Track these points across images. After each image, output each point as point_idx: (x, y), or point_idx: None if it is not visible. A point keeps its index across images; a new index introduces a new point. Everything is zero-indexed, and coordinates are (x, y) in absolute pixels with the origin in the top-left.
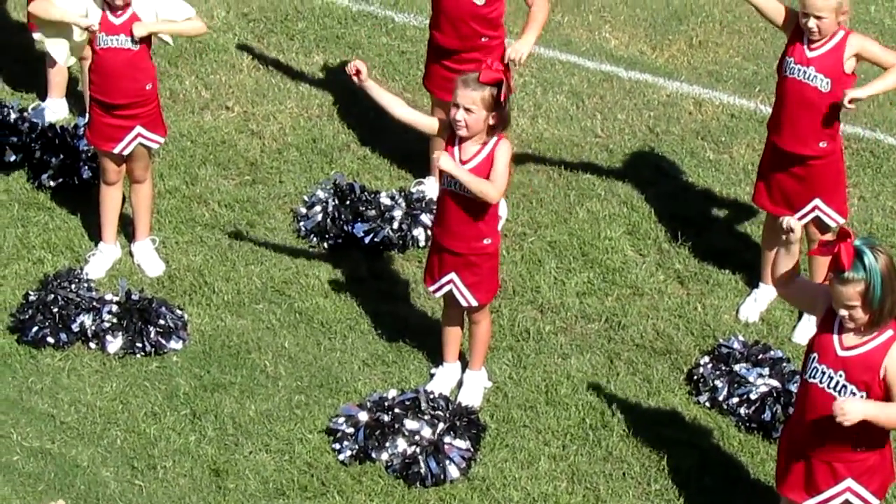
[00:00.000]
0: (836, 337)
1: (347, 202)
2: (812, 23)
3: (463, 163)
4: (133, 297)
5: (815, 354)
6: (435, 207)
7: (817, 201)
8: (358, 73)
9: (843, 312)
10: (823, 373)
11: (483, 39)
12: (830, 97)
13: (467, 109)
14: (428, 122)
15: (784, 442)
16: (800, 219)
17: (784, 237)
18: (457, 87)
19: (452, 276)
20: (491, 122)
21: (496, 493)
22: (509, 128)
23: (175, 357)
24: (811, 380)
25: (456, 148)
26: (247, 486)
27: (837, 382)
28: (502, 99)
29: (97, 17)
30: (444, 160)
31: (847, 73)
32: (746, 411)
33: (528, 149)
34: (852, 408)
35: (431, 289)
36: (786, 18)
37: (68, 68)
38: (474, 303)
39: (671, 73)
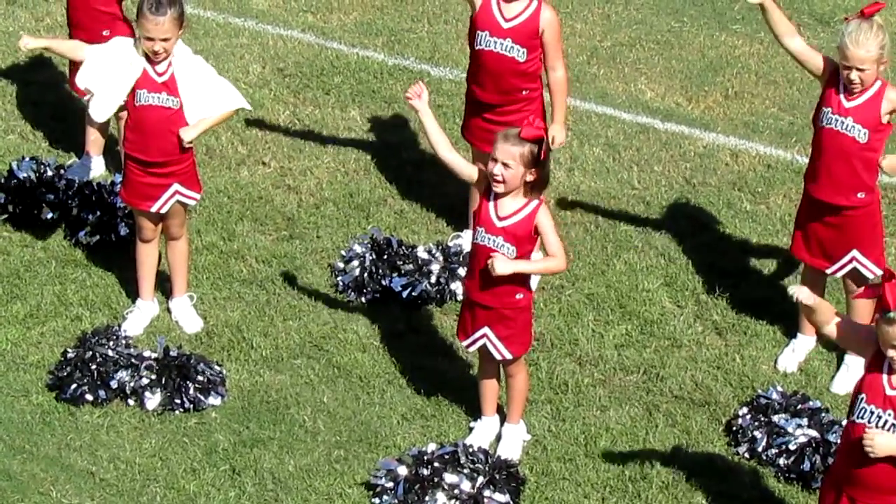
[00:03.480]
0: (885, 377)
1: (385, 257)
2: (854, 75)
3: (500, 219)
4: (171, 353)
5: (864, 395)
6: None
7: (854, 252)
8: (419, 95)
9: (892, 353)
10: (872, 412)
11: (523, 93)
12: (867, 147)
13: (505, 164)
14: (468, 170)
15: (828, 486)
16: (837, 271)
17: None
18: (496, 141)
19: (486, 330)
20: (529, 178)
21: None
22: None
23: (214, 413)
24: (859, 420)
25: (492, 203)
26: None
27: (886, 422)
28: (542, 157)
29: (139, 70)
30: (499, 265)
31: (884, 123)
32: (785, 462)
33: (565, 201)
34: (882, 441)
35: (465, 343)
36: (824, 69)
37: (108, 126)
38: (508, 356)
39: (707, 125)
